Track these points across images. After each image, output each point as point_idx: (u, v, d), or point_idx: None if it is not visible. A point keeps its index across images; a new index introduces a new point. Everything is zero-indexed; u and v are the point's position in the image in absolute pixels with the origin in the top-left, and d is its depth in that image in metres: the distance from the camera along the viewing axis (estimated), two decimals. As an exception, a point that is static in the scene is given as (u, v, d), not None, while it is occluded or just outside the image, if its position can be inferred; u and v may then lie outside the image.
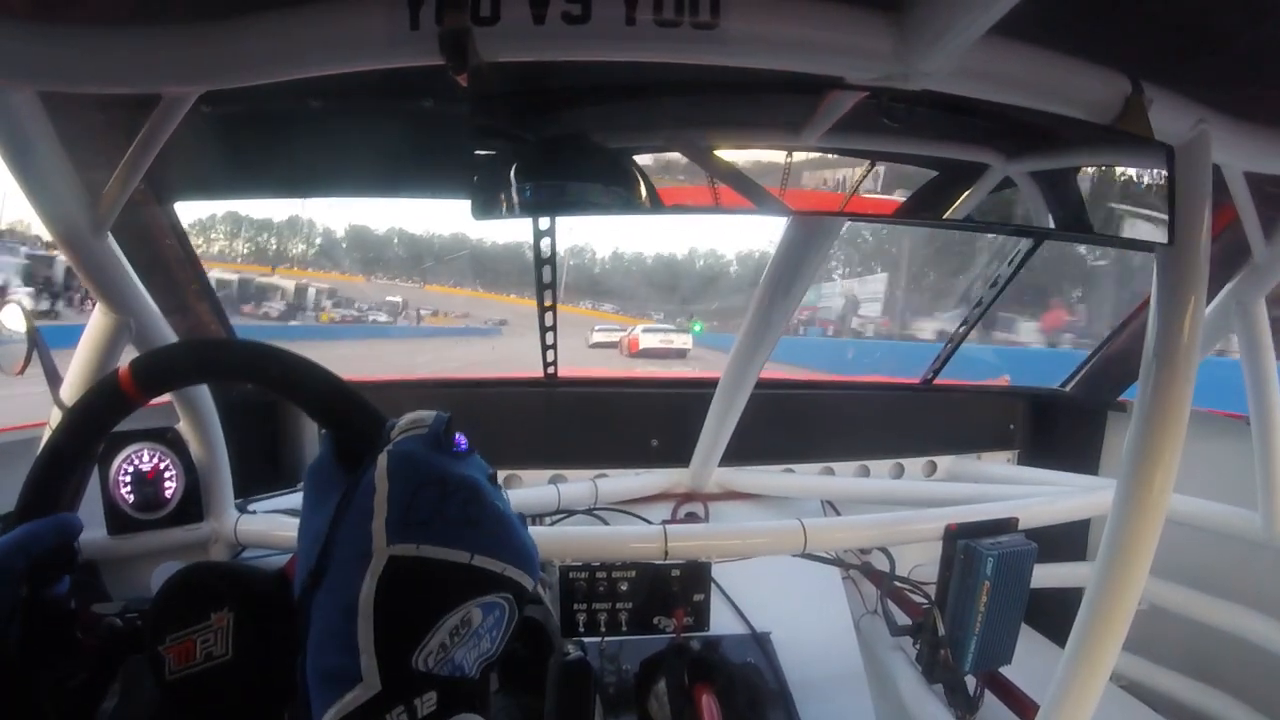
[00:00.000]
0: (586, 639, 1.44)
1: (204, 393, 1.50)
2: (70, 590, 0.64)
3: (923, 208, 0.94)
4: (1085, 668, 1.14)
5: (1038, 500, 1.69)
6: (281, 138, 1.29)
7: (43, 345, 1.25)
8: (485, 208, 0.80)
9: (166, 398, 1.51)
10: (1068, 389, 2.40)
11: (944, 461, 2.38)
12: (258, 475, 1.74)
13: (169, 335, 1.34)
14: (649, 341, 17.66)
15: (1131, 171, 0.98)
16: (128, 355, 1.24)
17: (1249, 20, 0.84)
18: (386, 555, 0.44)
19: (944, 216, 0.96)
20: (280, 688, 0.51)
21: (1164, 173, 0.94)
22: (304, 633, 0.46)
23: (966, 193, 0.94)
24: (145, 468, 1.50)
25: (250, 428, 1.79)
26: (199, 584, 0.58)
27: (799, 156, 0.87)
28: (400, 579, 0.44)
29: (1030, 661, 1.54)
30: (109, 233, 1.14)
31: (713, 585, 1.49)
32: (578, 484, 1.98)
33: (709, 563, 1.47)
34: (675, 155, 0.87)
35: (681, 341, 18.22)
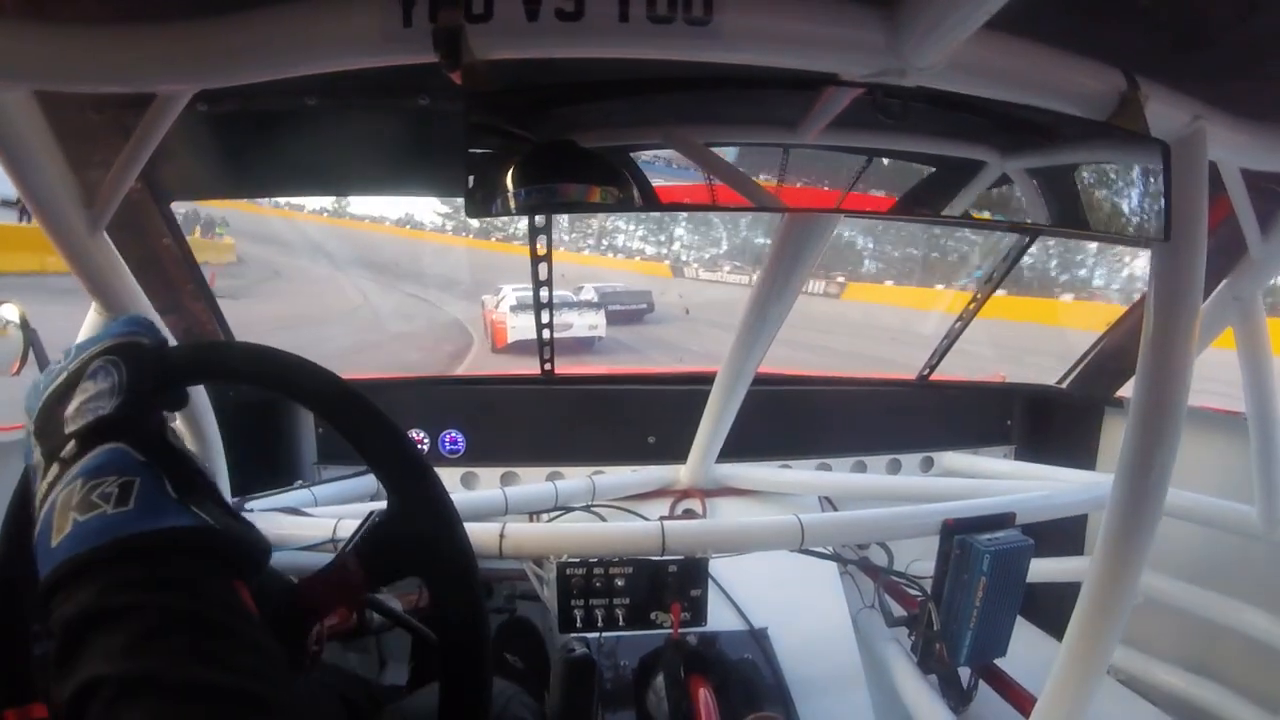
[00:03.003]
0: (584, 635, 1.45)
1: (199, 392, 1.50)
2: None
3: (919, 204, 0.94)
4: (1083, 661, 1.15)
5: (1035, 496, 1.69)
6: (276, 136, 1.28)
7: (39, 345, 1.25)
8: (480, 205, 0.80)
9: None
10: (1064, 385, 2.41)
11: (941, 457, 2.38)
12: (254, 474, 1.74)
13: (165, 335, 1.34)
14: (521, 328, 10.09)
15: (1127, 167, 0.98)
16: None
17: (1243, 15, 0.84)
18: (30, 420, 0.62)
19: (940, 212, 0.96)
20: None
21: (1160, 169, 0.94)
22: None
23: (963, 188, 0.94)
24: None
25: (247, 426, 1.79)
26: None
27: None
28: (40, 415, 0.62)
29: (1027, 655, 1.54)
30: (105, 231, 1.14)
31: (710, 581, 1.49)
32: (575, 480, 1.98)
33: (706, 558, 1.47)
34: (671, 152, 0.87)
35: (587, 325, 12.03)
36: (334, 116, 1.19)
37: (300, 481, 1.92)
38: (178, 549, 0.53)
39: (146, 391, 0.63)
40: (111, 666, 0.46)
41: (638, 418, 2.17)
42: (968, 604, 1.49)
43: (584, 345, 11.78)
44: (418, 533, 0.72)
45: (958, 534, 1.50)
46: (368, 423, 0.71)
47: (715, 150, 0.85)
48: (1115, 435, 2.27)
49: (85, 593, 0.49)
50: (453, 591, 0.72)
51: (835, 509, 2.08)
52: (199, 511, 0.56)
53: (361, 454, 0.72)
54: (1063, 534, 2.11)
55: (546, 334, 2.08)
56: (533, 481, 2.04)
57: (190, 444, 1.55)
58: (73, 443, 0.57)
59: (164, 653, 0.47)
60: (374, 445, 0.72)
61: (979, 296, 2.19)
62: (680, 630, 1.45)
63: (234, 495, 1.65)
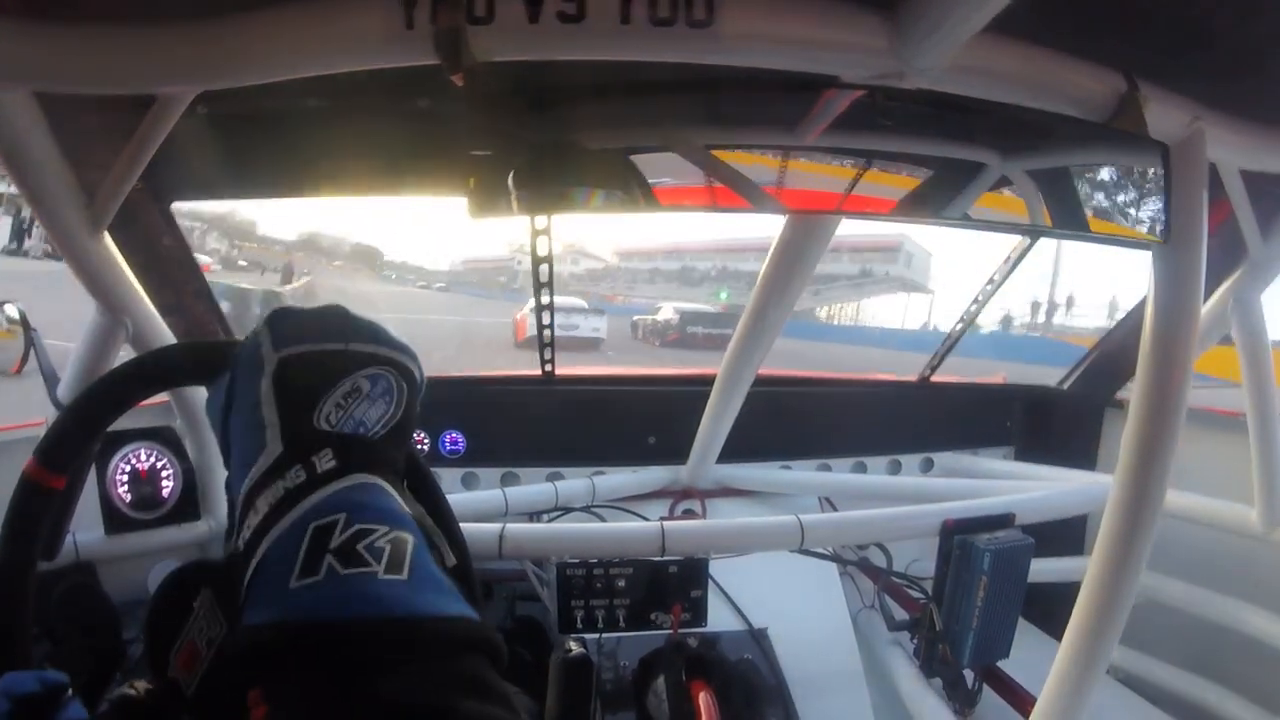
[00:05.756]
0: (584, 635, 1.45)
1: (199, 391, 1.50)
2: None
3: (920, 205, 0.94)
4: (1082, 661, 1.15)
5: (1035, 496, 1.69)
6: (277, 137, 1.28)
7: (39, 345, 1.25)
8: (482, 207, 0.80)
9: (163, 396, 1.51)
10: (1065, 386, 2.41)
11: (941, 458, 2.38)
12: None
13: (166, 335, 1.34)
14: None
15: (1127, 169, 0.98)
16: (125, 354, 1.24)
17: (1242, 18, 0.84)
18: (275, 358, 0.49)
19: (941, 214, 0.96)
20: None
21: (1160, 170, 0.94)
22: (229, 457, 0.51)
23: (964, 190, 0.94)
24: (142, 466, 1.50)
25: None
26: (172, 589, 0.57)
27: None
28: (291, 368, 0.49)
29: (1027, 655, 1.54)
30: (106, 233, 1.14)
31: (710, 582, 1.49)
32: (575, 481, 1.98)
33: (706, 559, 1.47)
34: (672, 154, 0.87)
35: (591, 327, 14.58)
36: (334, 118, 1.19)
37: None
38: (460, 643, 0.42)
39: (410, 433, 0.53)
40: None
41: (638, 418, 2.17)
42: (969, 604, 1.49)
43: (587, 345, 13.82)
44: None
45: (958, 534, 1.50)
46: None
47: (715, 152, 0.85)
48: (1115, 436, 2.27)
49: None
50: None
51: (835, 510, 2.08)
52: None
53: None
54: (1062, 534, 2.11)
55: (548, 335, 2.08)
56: (533, 482, 2.03)
57: (189, 443, 1.56)
58: (330, 452, 0.46)
59: None
60: None
61: (980, 298, 2.19)
62: (680, 631, 1.45)
63: None
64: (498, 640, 0.45)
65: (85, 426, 0.64)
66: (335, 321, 0.53)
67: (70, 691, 0.57)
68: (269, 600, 0.41)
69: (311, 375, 0.49)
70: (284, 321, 0.52)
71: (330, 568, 0.40)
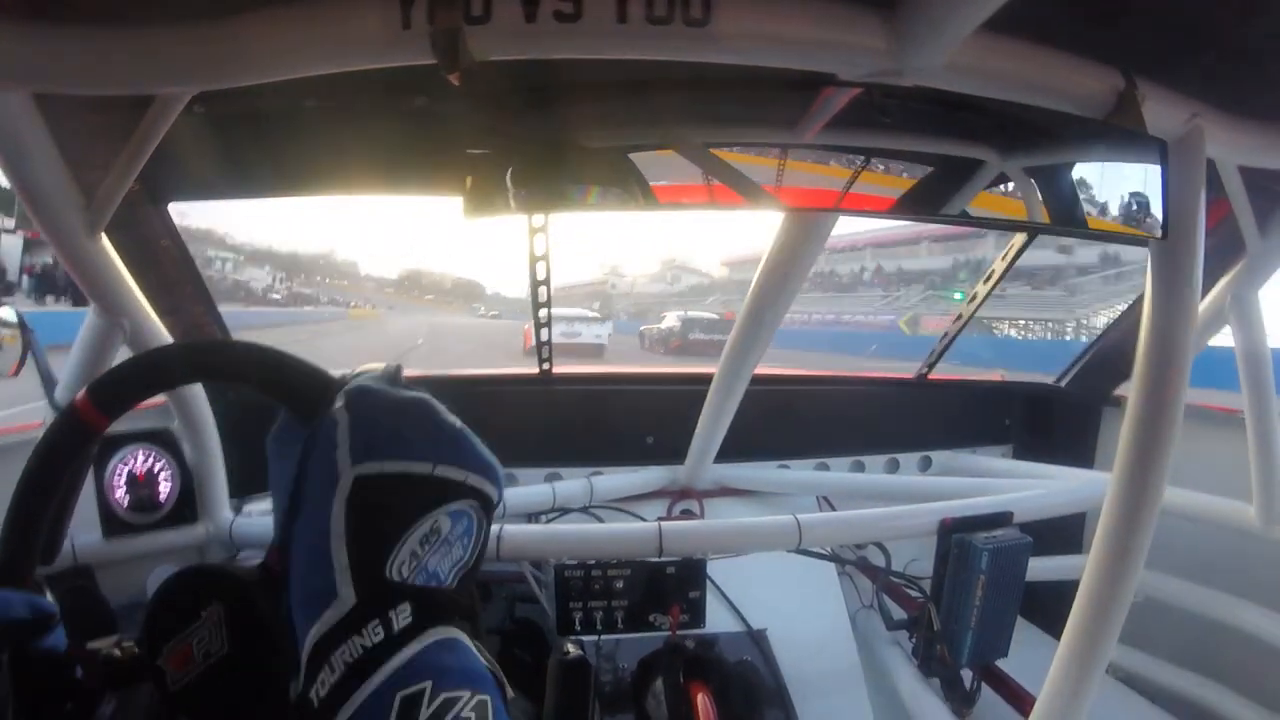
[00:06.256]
0: (583, 637, 1.45)
1: (198, 393, 1.50)
2: (69, 643, 0.61)
3: (917, 203, 0.94)
4: (1081, 660, 1.15)
5: (1033, 494, 1.69)
6: (275, 137, 1.28)
7: (37, 347, 1.24)
8: (479, 206, 0.80)
9: (161, 398, 1.51)
10: (1063, 384, 2.41)
11: (939, 456, 2.38)
12: (254, 474, 1.73)
13: (164, 336, 1.34)
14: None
15: (1125, 166, 0.98)
16: (123, 355, 1.24)
17: (1241, 15, 0.84)
18: (352, 476, 0.46)
19: (939, 212, 0.96)
20: (282, 675, 0.52)
21: (1158, 167, 0.94)
22: (286, 570, 0.48)
23: (961, 188, 0.94)
24: (140, 469, 1.50)
25: (246, 427, 1.79)
26: (184, 586, 0.57)
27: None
28: (367, 495, 0.46)
29: (1026, 654, 1.54)
30: (103, 234, 1.14)
31: (708, 582, 1.49)
32: (573, 482, 1.98)
33: (704, 559, 1.47)
34: (669, 152, 0.86)
35: (593, 334, 16.16)
36: (331, 117, 1.19)
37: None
38: None
39: (480, 566, 0.51)
40: None
41: (636, 418, 2.16)
42: (967, 603, 1.49)
43: (590, 351, 15.29)
44: None
45: (956, 533, 1.50)
46: None
47: (713, 150, 0.85)
48: (1113, 434, 2.27)
49: None
50: None
51: (833, 509, 2.08)
52: None
53: None
54: (1061, 533, 2.11)
55: (545, 334, 2.08)
56: (530, 483, 2.03)
57: (187, 446, 1.55)
58: (408, 606, 0.44)
59: None
60: None
61: (977, 295, 2.19)
62: (679, 632, 1.45)
63: (233, 496, 1.65)
64: None
65: (149, 382, 0.62)
66: (421, 427, 0.50)
67: (57, 617, 0.59)
68: None
69: (390, 510, 0.46)
70: (365, 420, 0.49)
71: None
